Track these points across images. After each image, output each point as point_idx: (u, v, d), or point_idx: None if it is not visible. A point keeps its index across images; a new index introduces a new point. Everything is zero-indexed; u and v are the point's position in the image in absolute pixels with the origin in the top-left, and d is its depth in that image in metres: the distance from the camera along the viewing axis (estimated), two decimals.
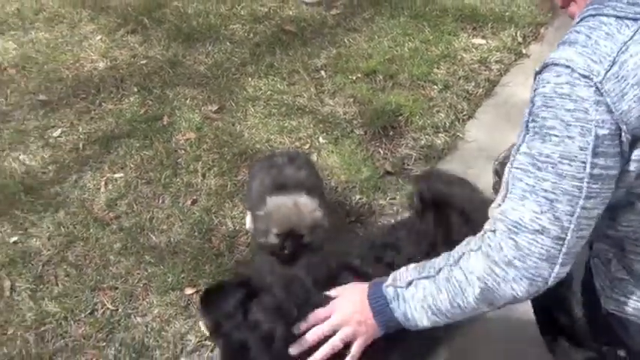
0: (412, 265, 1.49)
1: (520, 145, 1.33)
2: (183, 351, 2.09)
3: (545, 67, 1.30)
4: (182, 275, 2.26)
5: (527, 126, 1.32)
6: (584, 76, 1.25)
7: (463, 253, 1.41)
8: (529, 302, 1.74)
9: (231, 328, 1.43)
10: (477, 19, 3.39)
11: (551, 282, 1.33)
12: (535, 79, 1.33)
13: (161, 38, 3.14)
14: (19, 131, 2.69)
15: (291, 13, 3.34)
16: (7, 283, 2.22)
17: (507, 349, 2.09)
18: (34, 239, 2.34)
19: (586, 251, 1.59)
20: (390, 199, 2.52)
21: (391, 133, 2.82)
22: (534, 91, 1.32)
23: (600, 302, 1.55)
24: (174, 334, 2.12)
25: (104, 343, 2.09)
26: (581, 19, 1.32)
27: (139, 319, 2.16)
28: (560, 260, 1.32)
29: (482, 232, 1.40)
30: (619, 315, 1.50)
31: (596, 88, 1.24)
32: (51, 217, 2.41)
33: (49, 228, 2.37)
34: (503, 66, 3.18)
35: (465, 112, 2.93)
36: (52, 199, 2.46)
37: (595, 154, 1.26)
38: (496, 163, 2.21)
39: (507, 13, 3.44)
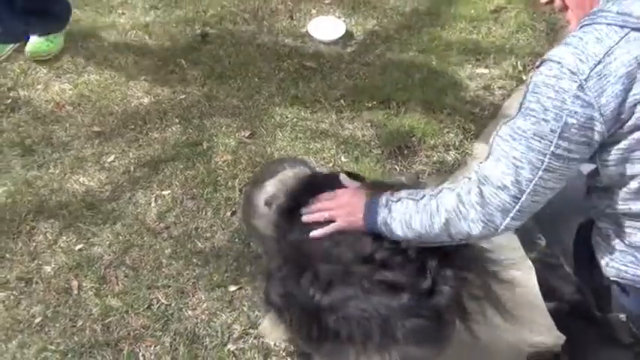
0: (409, 190, 1.83)
1: (509, 120, 1.63)
2: (230, 338, 2.38)
3: (542, 61, 1.59)
4: (226, 275, 2.57)
5: (519, 107, 1.61)
6: (572, 72, 1.50)
7: (442, 189, 1.74)
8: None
9: None
10: (479, 51, 3.73)
11: (500, 230, 1.64)
12: (533, 70, 1.63)
13: (197, 77, 3.52)
14: (78, 158, 3.04)
15: (310, 51, 3.72)
16: (74, 283, 2.54)
17: None
18: (96, 246, 2.67)
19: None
20: None
21: (406, 152, 3.14)
22: (530, 79, 1.61)
23: (602, 274, 1.78)
24: (221, 324, 2.42)
25: (160, 333, 2.39)
26: (580, 27, 1.59)
27: (189, 312, 2.46)
28: (512, 214, 1.62)
29: (461, 177, 1.73)
30: (619, 281, 1.74)
31: (580, 84, 1.49)
32: (109, 228, 2.74)
33: (108, 237, 2.70)
34: (505, 91, 3.51)
35: (472, 132, 3.25)
36: (110, 214, 2.80)
37: (561, 137, 1.53)
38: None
39: (508, 46, 3.78)
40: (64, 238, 2.72)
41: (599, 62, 1.49)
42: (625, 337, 1.86)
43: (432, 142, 3.18)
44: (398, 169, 3.07)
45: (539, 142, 1.55)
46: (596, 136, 1.54)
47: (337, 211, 1.87)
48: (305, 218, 1.92)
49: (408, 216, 1.75)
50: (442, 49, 3.72)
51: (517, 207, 1.61)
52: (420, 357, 1.82)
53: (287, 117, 3.29)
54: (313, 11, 3.98)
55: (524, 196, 1.60)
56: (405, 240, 1.78)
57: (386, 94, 3.42)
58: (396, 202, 1.79)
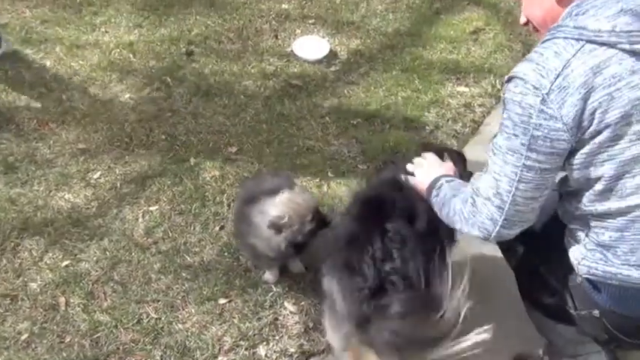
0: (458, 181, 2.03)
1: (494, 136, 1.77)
2: (221, 350, 2.38)
3: (509, 78, 1.72)
4: (216, 288, 2.56)
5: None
6: (535, 88, 1.64)
7: (458, 194, 1.93)
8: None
9: None
10: (459, 70, 3.81)
11: (493, 237, 1.80)
12: (504, 86, 1.75)
13: (183, 94, 3.53)
14: (63, 175, 3.02)
15: (296, 70, 3.76)
16: (62, 300, 2.51)
17: None
18: (83, 262, 2.65)
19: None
20: None
21: None
22: (503, 95, 1.74)
23: (575, 272, 1.88)
24: (211, 337, 2.41)
25: (151, 346, 2.38)
26: (542, 42, 1.74)
27: (180, 325, 2.45)
28: (500, 223, 1.77)
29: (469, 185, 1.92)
30: (591, 279, 1.83)
31: (543, 98, 1.63)
32: (96, 244, 2.72)
33: (95, 253, 2.68)
34: (485, 109, 3.59)
35: (454, 148, 3.31)
36: (97, 230, 2.78)
37: (529, 150, 1.67)
38: None
39: (486, 65, 3.87)
40: (50, 254, 2.69)
41: (559, 75, 1.62)
42: (600, 333, 1.94)
43: None
44: None
45: (512, 155, 1.70)
46: (563, 145, 1.67)
47: (420, 171, 2.14)
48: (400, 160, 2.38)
49: (441, 204, 1.96)
50: (424, 68, 3.79)
51: (503, 216, 1.76)
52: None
53: (274, 134, 3.31)
54: (297, 31, 4.04)
55: (506, 207, 1.75)
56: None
57: (370, 111, 3.47)
58: (445, 186, 1.99)
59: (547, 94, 1.62)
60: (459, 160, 2.36)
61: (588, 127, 1.63)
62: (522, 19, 1.92)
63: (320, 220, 2.35)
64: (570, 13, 1.70)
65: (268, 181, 2.51)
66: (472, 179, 1.99)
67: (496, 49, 3.99)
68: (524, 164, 1.68)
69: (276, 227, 2.28)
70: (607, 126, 1.63)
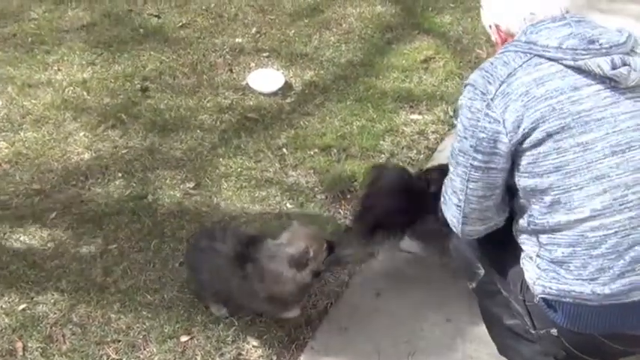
0: None
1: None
2: None
3: (465, 85, 1.85)
4: (177, 325, 2.55)
5: None
6: (482, 93, 1.77)
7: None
8: None
9: None
10: (412, 98, 3.89)
11: (460, 232, 1.95)
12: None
13: (139, 130, 3.52)
14: (18, 217, 2.98)
15: (251, 103, 3.79)
16: (19, 345, 2.46)
17: None
18: (41, 305, 2.60)
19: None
20: (354, 250, 2.88)
21: (349, 196, 3.22)
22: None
23: (532, 293, 1.93)
24: None
25: None
26: (497, 54, 1.87)
27: None
28: (461, 220, 1.92)
29: None
30: (547, 299, 1.87)
31: (488, 103, 1.75)
32: (54, 286, 2.68)
33: (53, 295, 2.64)
34: (439, 135, 3.67)
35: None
36: (54, 271, 2.74)
37: (476, 151, 1.79)
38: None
39: (438, 93, 3.96)
40: (6, 298, 2.64)
41: (503, 82, 1.75)
42: (559, 351, 1.98)
43: None
44: (342, 212, 3.14)
45: (463, 156, 1.83)
46: (502, 147, 1.78)
47: None
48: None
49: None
50: (377, 97, 3.87)
51: (462, 214, 1.90)
52: None
53: (231, 167, 3.33)
54: (252, 64, 4.08)
55: (462, 204, 1.89)
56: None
57: (327, 141, 3.52)
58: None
59: (492, 99, 1.75)
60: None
61: (529, 135, 1.74)
62: None
63: (330, 247, 2.43)
64: (525, 32, 1.84)
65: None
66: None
67: (447, 77, 4.09)
68: (471, 164, 1.82)
69: (301, 263, 2.30)
70: (548, 135, 1.72)
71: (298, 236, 2.37)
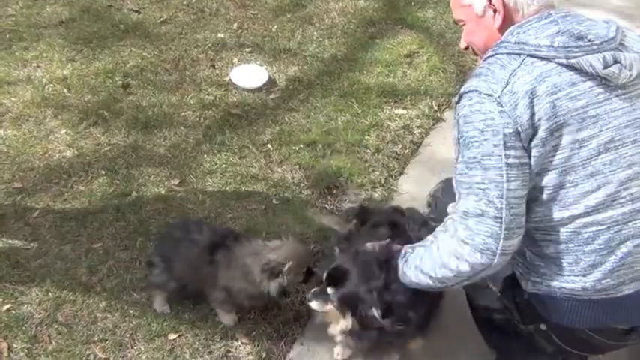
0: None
1: (456, 158, 1.78)
2: None
3: (460, 96, 1.78)
4: (165, 323, 2.52)
5: (458, 142, 1.78)
6: (488, 95, 1.71)
7: (438, 232, 1.87)
8: None
9: None
10: (397, 93, 3.90)
11: (499, 254, 1.72)
12: (455, 107, 1.81)
13: (121, 127, 3.48)
14: (0, 216, 2.93)
15: (235, 99, 3.77)
16: (4, 345, 2.42)
17: None
18: (26, 305, 2.56)
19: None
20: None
21: (335, 191, 3.22)
22: (457, 115, 1.78)
23: (521, 288, 1.94)
24: None
25: None
26: (484, 60, 1.82)
27: None
28: (502, 235, 1.71)
29: (445, 220, 1.85)
30: (537, 294, 1.88)
31: (497, 101, 1.70)
32: (38, 285, 2.63)
33: (37, 295, 2.60)
34: (424, 130, 3.68)
35: (396, 170, 3.38)
36: (38, 271, 2.69)
37: (506, 148, 1.70)
38: (428, 197, 2.64)
39: (422, 87, 3.97)
40: None
41: (508, 82, 1.71)
42: (547, 346, 2.00)
43: (359, 180, 3.28)
44: (328, 207, 3.14)
45: (490, 159, 1.71)
46: (524, 142, 1.72)
47: None
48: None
49: (418, 260, 1.91)
50: (362, 92, 3.86)
51: (503, 226, 1.71)
52: None
53: (216, 163, 3.30)
54: (235, 60, 4.06)
55: (503, 214, 1.71)
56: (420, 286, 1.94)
57: (312, 137, 3.51)
58: (411, 252, 1.96)
59: (499, 96, 1.70)
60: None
61: (536, 132, 1.71)
62: (462, 44, 2.00)
63: (308, 273, 2.36)
64: (512, 32, 1.80)
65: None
66: (448, 209, 1.90)
67: (430, 71, 4.11)
68: (506, 163, 1.69)
69: (274, 272, 2.27)
70: (550, 134, 1.71)
71: (286, 248, 2.34)
